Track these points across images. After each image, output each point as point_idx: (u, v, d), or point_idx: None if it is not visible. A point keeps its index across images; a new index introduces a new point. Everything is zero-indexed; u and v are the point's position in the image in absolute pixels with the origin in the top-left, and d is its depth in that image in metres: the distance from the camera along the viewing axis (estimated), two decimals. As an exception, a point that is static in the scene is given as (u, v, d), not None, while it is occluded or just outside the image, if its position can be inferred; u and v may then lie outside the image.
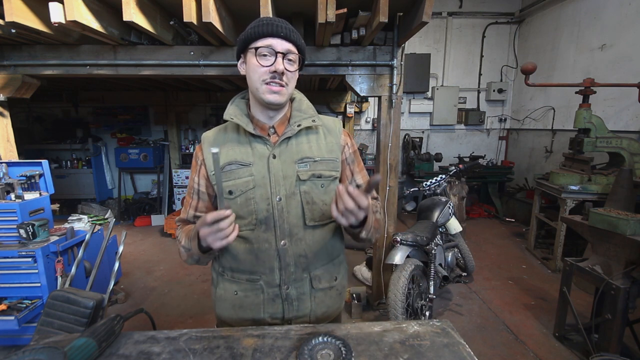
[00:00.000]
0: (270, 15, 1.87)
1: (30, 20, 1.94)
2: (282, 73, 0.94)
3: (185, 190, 5.43)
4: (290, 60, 0.96)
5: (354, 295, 2.88)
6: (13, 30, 2.01)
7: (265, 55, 0.94)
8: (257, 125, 1.04)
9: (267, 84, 0.95)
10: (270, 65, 0.94)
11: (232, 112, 1.03)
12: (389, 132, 2.62)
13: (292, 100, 1.10)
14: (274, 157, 1.00)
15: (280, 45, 0.94)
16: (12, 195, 2.32)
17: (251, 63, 0.96)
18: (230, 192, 0.99)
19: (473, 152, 5.96)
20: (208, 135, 1.08)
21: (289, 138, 1.02)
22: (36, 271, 2.21)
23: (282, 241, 1.00)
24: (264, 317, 1.04)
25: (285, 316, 1.04)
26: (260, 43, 0.94)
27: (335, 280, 1.10)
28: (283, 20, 0.98)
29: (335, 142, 1.08)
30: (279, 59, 0.93)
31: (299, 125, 1.02)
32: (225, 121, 1.06)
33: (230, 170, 0.99)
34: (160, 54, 2.42)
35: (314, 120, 1.04)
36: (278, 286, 1.02)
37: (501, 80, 6.01)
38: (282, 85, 0.95)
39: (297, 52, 0.98)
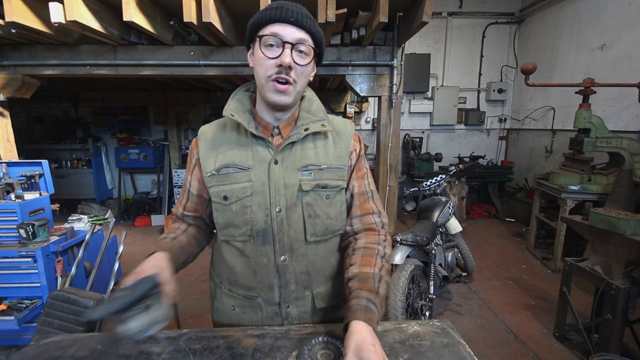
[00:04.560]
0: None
1: (30, 20, 1.94)
2: (290, 67, 0.81)
3: (185, 190, 5.47)
4: (301, 52, 0.83)
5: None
6: (13, 30, 2.01)
7: (271, 45, 0.82)
8: (260, 124, 0.93)
9: (273, 80, 0.83)
10: (276, 58, 0.81)
11: (233, 107, 0.92)
12: (389, 132, 2.62)
13: (301, 98, 0.97)
14: (276, 162, 0.90)
15: (290, 33, 0.81)
16: (12, 195, 2.32)
17: (257, 54, 0.85)
18: (225, 198, 0.90)
19: (473, 152, 5.96)
20: (205, 130, 0.97)
21: (293, 142, 0.91)
22: (36, 271, 2.21)
23: (282, 257, 0.91)
24: None
25: None
26: (267, 30, 0.82)
27: (339, 297, 1.00)
28: (298, 5, 0.84)
29: (344, 148, 0.96)
30: (287, 50, 0.81)
31: (306, 130, 0.91)
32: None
33: (226, 174, 0.90)
34: (160, 54, 2.43)
35: (323, 125, 0.93)
36: (278, 305, 0.94)
37: (501, 80, 6.00)
38: (289, 83, 0.84)
39: (311, 42, 0.85)
